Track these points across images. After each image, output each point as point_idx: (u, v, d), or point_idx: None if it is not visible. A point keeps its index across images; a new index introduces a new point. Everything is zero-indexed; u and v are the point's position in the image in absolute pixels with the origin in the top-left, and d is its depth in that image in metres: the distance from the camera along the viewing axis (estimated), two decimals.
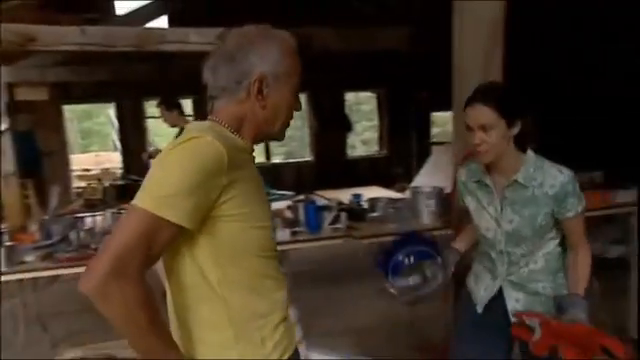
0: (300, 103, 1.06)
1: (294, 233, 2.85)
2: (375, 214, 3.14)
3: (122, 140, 8.44)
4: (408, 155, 8.29)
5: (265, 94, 0.96)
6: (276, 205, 2.89)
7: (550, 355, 1.29)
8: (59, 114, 7.91)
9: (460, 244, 1.74)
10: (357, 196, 3.41)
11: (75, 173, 8.88)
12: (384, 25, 5.47)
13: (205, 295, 0.91)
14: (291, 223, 2.97)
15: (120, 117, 8.34)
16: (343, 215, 3.14)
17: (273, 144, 16.37)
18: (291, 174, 9.33)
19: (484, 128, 1.38)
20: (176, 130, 3.72)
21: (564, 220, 1.44)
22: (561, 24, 4.57)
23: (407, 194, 3.57)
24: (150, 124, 8.78)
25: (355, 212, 3.23)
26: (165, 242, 0.82)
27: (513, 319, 1.51)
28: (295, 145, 10.91)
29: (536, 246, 1.48)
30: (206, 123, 0.96)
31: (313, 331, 2.84)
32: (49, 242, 2.61)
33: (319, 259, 4.84)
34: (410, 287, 1.64)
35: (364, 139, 13.03)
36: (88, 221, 2.94)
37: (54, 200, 3.44)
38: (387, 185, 6.97)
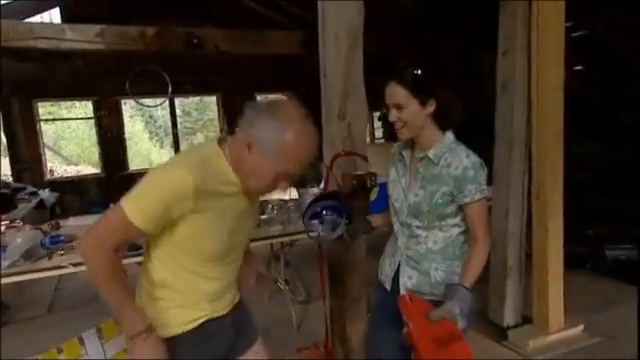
0: (285, 188, 1.23)
1: None
2: (264, 216, 3.12)
3: (10, 144, 7.67)
4: (319, 158, 8.44)
5: (251, 151, 1.13)
6: None
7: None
8: None
9: (374, 218, 1.79)
10: None
11: None
12: (287, 29, 5.51)
13: (159, 268, 1.23)
14: None
15: (7, 119, 7.56)
16: None
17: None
18: None
19: (398, 106, 1.46)
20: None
21: (463, 206, 1.47)
22: None
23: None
24: (47, 127, 8.06)
25: None
26: (132, 235, 1.13)
27: (402, 292, 1.53)
28: None
29: (433, 224, 1.51)
30: (207, 153, 1.18)
31: None
32: None
33: None
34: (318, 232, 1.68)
35: None
36: None
37: None
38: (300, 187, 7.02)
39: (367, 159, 2.30)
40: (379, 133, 10.45)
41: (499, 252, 2.96)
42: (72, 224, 3.23)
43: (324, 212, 1.67)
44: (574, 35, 4.26)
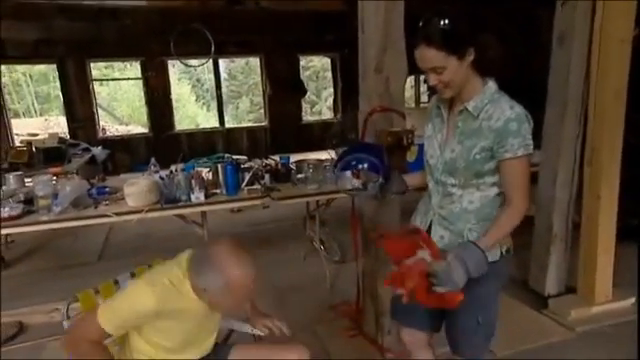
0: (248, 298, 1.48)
1: (213, 195, 2.82)
2: (300, 175, 3.12)
3: (67, 103, 8.07)
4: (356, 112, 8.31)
5: (207, 292, 1.31)
6: None
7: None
8: None
9: (408, 178, 1.68)
10: (285, 158, 3.38)
11: (21, 137, 8.55)
12: None
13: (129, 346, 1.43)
14: (212, 185, 2.94)
15: (64, 79, 7.92)
16: (267, 177, 3.13)
17: (241, 110, 15.97)
18: (246, 139, 9.21)
19: (435, 70, 1.31)
20: None
21: (501, 162, 1.34)
22: None
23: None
24: (100, 89, 8.34)
25: (280, 174, 3.22)
26: (105, 335, 1.29)
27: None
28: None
29: (469, 182, 1.41)
30: (174, 277, 1.32)
31: None
32: None
33: (266, 220, 4.85)
34: (349, 185, 1.62)
35: (330, 105, 12.94)
36: None
37: None
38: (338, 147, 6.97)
39: (405, 116, 2.21)
40: (425, 98, 10.09)
41: (544, 218, 2.81)
42: (118, 178, 3.40)
43: (359, 166, 1.60)
44: None
